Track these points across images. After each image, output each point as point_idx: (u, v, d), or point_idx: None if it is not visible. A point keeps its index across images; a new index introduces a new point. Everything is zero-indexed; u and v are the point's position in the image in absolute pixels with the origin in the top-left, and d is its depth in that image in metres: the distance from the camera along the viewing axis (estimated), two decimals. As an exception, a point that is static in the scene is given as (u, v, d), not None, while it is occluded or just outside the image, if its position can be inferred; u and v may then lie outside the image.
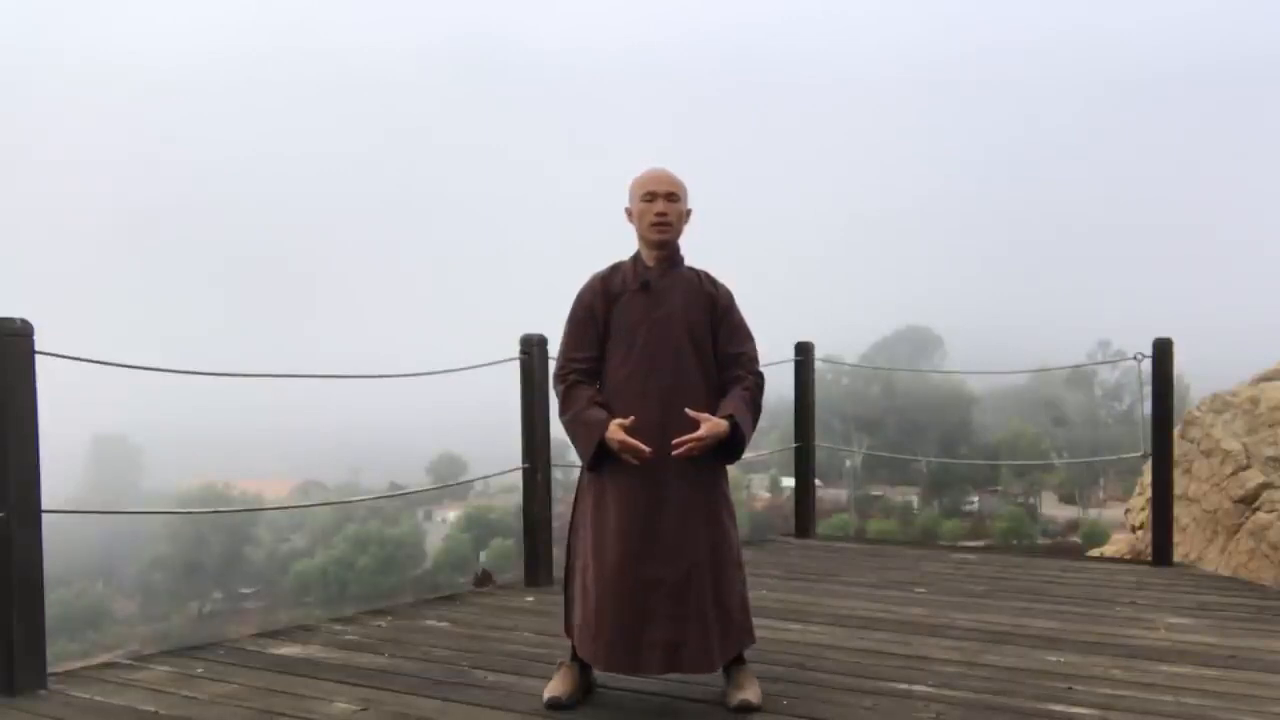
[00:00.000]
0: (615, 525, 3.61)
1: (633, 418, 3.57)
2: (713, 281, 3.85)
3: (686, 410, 3.57)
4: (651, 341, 3.69)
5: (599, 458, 3.61)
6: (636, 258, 3.82)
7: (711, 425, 3.55)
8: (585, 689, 3.77)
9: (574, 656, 3.77)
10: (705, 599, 3.59)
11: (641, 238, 3.79)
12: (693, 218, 3.82)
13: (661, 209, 3.70)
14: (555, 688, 3.69)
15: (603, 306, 3.75)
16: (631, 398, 3.65)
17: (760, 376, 3.80)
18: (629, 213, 3.79)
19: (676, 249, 3.81)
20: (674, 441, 3.54)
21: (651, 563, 3.57)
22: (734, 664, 3.75)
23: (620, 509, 3.61)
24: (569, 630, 3.81)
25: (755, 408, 3.72)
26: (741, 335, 3.81)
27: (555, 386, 3.80)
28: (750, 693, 3.65)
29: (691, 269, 3.84)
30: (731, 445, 3.64)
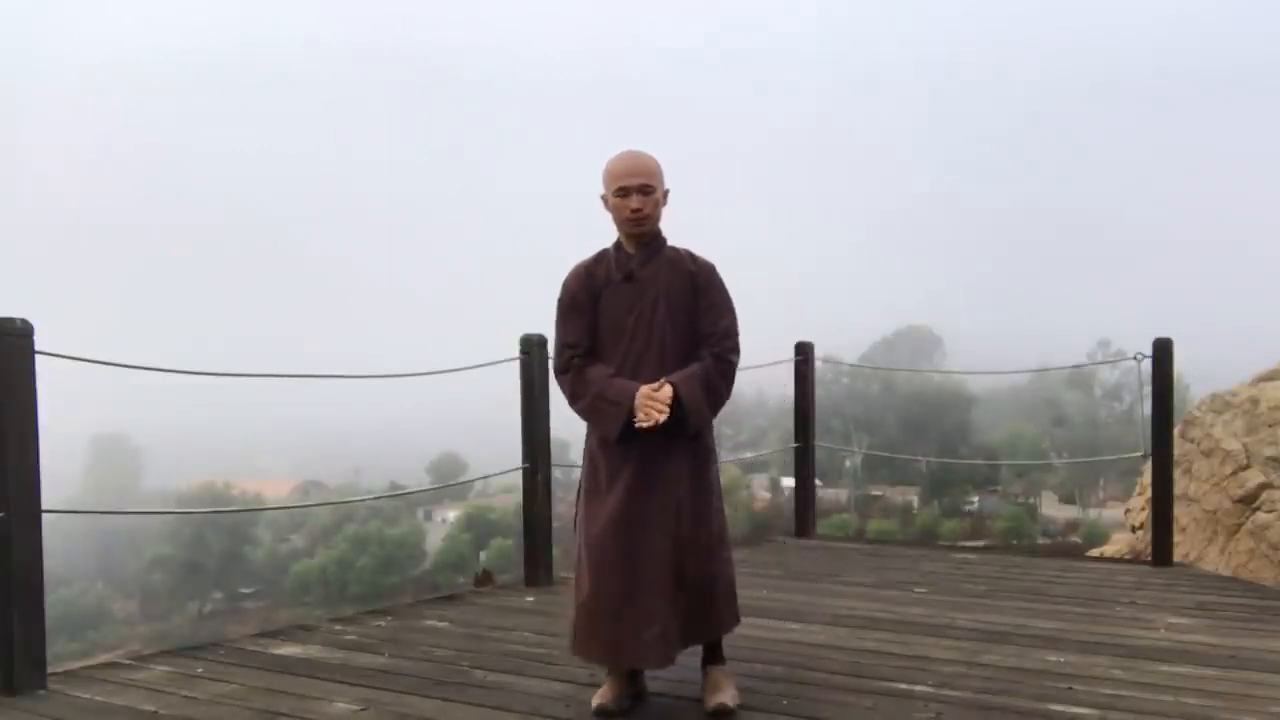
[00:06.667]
0: (607, 516, 3.55)
1: (657, 382, 3.52)
2: (693, 259, 3.75)
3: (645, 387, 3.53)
4: (639, 331, 3.64)
5: (628, 426, 3.52)
6: (619, 245, 3.75)
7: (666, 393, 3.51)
8: (635, 695, 3.67)
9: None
10: (688, 583, 3.54)
11: (619, 229, 3.72)
12: (673, 204, 3.72)
13: (635, 204, 3.61)
14: (602, 695, 3.59)
15: (587, 297, 3.70)
16: None
17: (728, 352, 3.67)
18: (605, 200, 3.70)
19: (657, 234, 3.73)
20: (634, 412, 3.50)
21: (641, 550, 3.50)
22: (711, 664, 3.70)
23: (614, 498, 3.56)
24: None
25: (706, 381, 3.59)
26: (717, 312, 3.69)
27: (560, 376, 3.73)
28: (727, 695, 3.58)
29: (674, 248, 3.76)
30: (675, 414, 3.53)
